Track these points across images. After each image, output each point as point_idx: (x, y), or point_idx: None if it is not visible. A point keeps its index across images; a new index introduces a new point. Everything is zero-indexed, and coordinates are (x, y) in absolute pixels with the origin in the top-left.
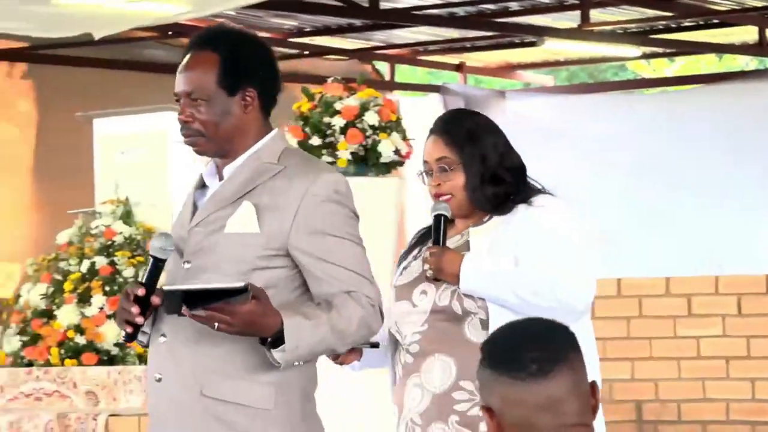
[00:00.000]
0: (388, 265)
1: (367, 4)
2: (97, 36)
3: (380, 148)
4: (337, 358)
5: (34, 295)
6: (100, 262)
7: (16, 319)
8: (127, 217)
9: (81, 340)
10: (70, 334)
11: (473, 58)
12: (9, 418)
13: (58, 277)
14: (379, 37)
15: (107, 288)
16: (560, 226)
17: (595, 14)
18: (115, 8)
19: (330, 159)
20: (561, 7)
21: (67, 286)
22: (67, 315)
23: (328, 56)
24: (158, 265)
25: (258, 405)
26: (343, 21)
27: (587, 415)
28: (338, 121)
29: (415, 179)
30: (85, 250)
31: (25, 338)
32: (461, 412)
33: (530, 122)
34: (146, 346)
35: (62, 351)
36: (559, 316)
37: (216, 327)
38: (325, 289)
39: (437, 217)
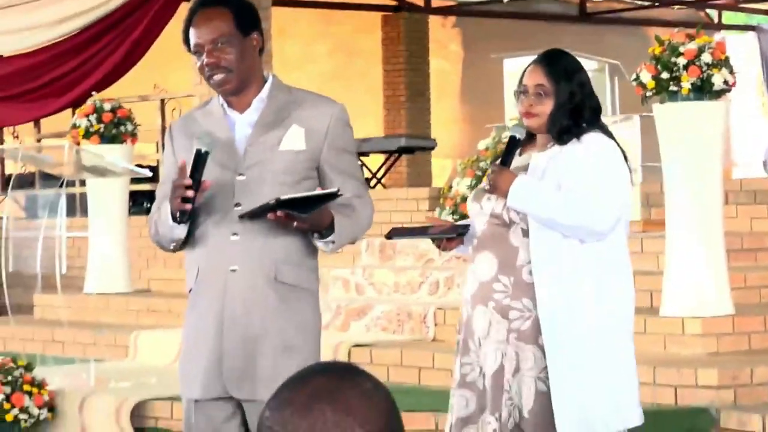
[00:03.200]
0: (717, 166)
1: None
2: None
3: (713, 80)
4: (440, 247)
5: (462, 186)
6: None
7: (449, 203)
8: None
9: None
10: None
11: None
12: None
13: (479, 173)
14: None
15: None
16: (595, 162)
17: None
18: None
19: (675, 88)
20: None
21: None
22: None
23: (672, 6)
24: (206, 157)
25: (308, 286)
26: None
27: None
28: (681, 61)
29: (735, 103)
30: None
31: (455, 217)
32: (497, 300)
33: None
34: (182, 245)
35: None
36: (581, 234)
37: (294, 225)
38: (343, 195)
39: (510, 138)
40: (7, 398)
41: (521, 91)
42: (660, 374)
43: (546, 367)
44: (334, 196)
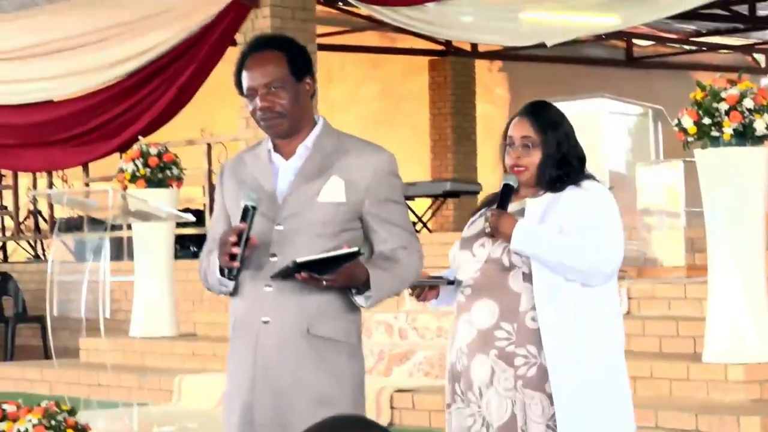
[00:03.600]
0: (759, 211)
1: (747, 13)
2: (549, 44)
3: (755, 125)
4: (419, 297)
5: None
6: None
7: None
8: None
9: None
10: None
11: None
12: None
13: None
14: (756, 35)
15: None
16: (598, 207)
17: None
18: (564, 21)
19: (717, 134)
20: None
21: None
22: None
23: (719, 51)
24: (254, 213)
25: (346, 339)
26: (729, 25)
27: None
28: (723, 106)
29: None
30: None
31: None
32: (500, 347)
33: None
34: (231, 293)
35: None
36: (587, 277)
37: (324, 284)
38: (387, 246)
39: (505, 186)
40: None
41: (508, 143)
42: (702, 421)
43: (554, 414)
44: (354, 255)
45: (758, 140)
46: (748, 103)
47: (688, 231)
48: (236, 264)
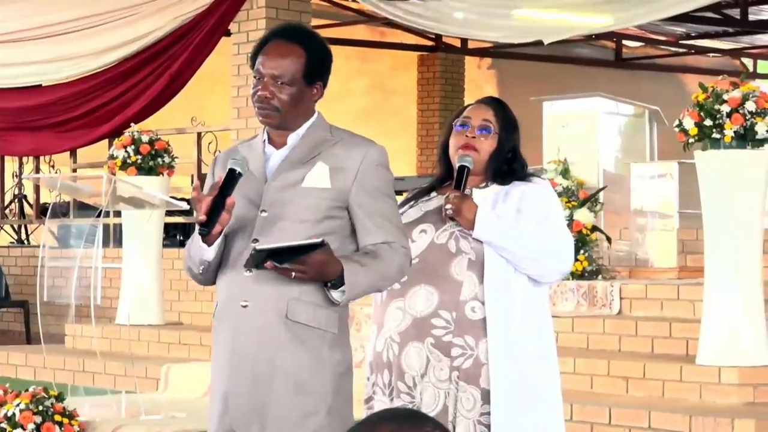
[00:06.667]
0: (757, 214)
1: (738, 17)
2: (546, 42)
3: (756, 128)
4: None
5: None
6: None
7: None
8: (565, 173)
9: None
10: None
11: None
12: None
13: None
14: (746, 39)
15: None
16: (552, 203)
17: None
18: (559, 20)
19: (718, 135)
20: None
21: None
22: None
23: (707, 54)
24: (237, 177)
25: (327, 328)
26: (719, 28)
27: None
28: (725, 108)
29: None
30: None
31: None
32: (437, 336)
33: None
34: (209, 273)
35: None
36: (547, 272)
37: (293, 276)
38: (371, 239)
39: (462, 168)
40: (38, 428)
41: (461, 124)
42: (696, 424)
43: (487, 411)
44: (317, 246)
45: (759, 143)
46: (750, 105)
47: (680, 233)
48: (203, 218)
